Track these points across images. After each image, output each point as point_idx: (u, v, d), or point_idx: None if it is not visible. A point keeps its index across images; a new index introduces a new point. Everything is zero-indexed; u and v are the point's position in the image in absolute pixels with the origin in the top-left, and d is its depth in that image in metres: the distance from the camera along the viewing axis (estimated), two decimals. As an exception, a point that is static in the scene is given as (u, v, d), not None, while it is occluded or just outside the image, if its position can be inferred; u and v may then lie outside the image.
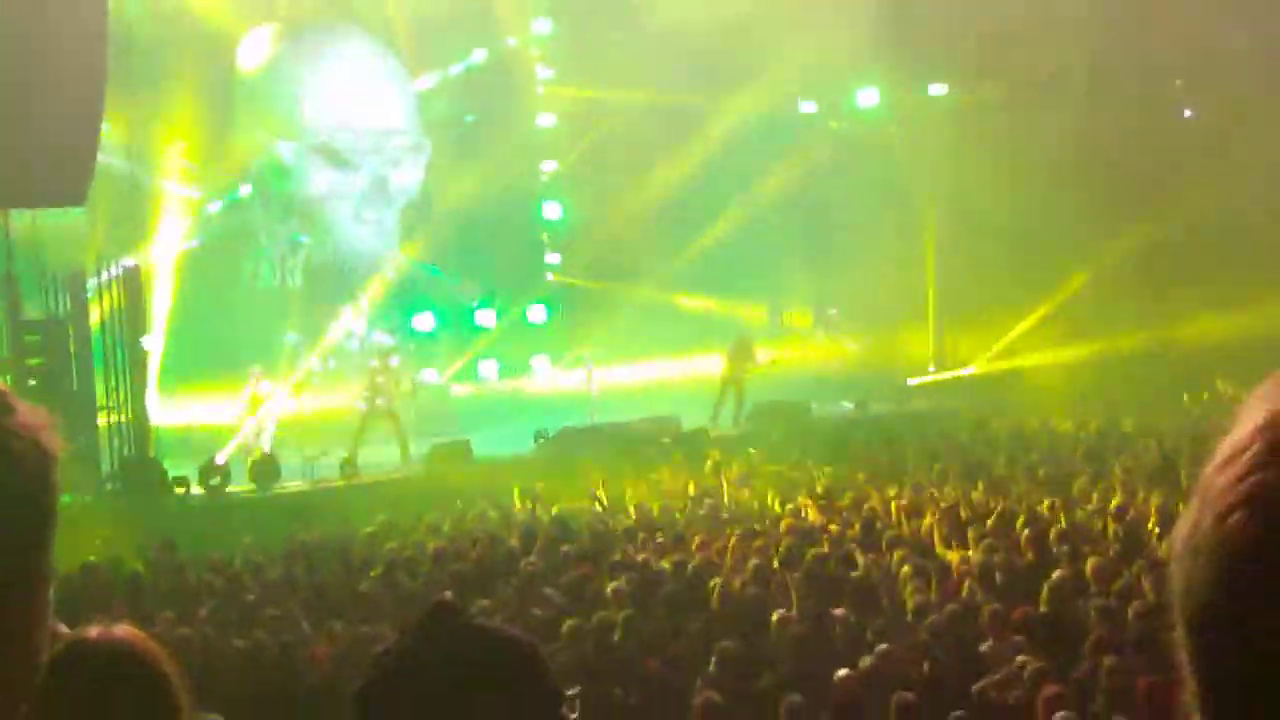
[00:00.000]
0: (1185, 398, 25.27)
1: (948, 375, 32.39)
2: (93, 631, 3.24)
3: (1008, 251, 30.29)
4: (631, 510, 19.37)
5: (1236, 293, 27.90)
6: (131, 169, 26.97)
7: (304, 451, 24.52)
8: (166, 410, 26.77)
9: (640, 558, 15.15)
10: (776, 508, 18.34)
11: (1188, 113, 33.07)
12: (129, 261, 25.02)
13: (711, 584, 13.53)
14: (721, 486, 20.65)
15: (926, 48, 31.63)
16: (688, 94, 31.70)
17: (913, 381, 32.04)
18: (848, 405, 29.88)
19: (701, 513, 18.57)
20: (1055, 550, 13.98)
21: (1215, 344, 26.32)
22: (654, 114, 32.15)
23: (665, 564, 14.56)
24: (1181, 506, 1.25)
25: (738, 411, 28.50)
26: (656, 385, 30.58)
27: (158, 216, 29.11)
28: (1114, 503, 16.47)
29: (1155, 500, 16.10)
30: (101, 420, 23.96)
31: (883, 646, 10.95)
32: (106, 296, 24.50)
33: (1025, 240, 30.24)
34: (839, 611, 12.21)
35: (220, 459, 24.52)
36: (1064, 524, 15.27)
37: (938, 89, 34.08)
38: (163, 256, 29.09)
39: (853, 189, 32.02)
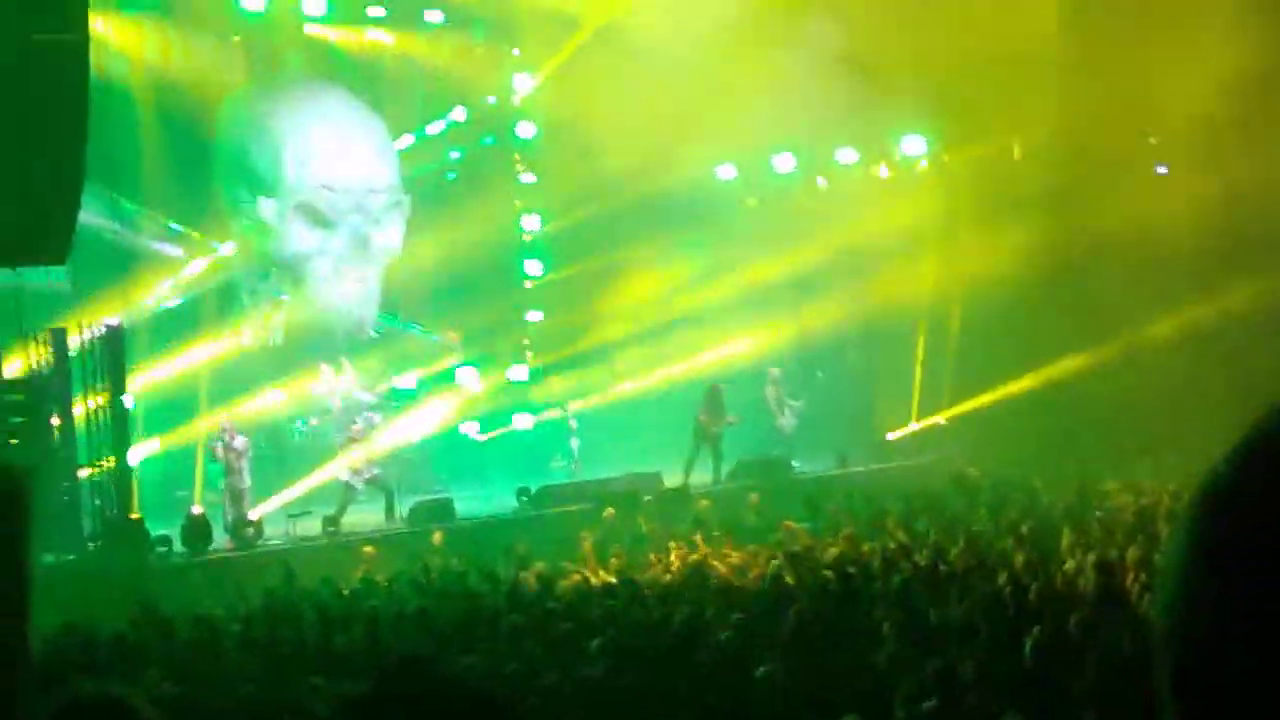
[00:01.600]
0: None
1: (923, 425, 32.46)
2: (83, 691, 3.28)
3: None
4: (614, 567, 19.39)
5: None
6: (114, 228, 27.02)
7: (287, 509, 24.52)
8: (145, 460, 26.70)
9: (623, 615, 15.15)
10: (758, 564, 18.34)
11: (1161, 170, 33.04)
12: (111, 320, 25.04)
13: (694, 640, 13.55)
14: (702, 544, 20.72)
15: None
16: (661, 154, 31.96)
17: (891, 436, 32.14)
18: (828, 462, 29.98)
19: (684, 569, 18.55)
20: (1037, 607, 13.99)
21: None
22: (630, 175, 32.35)
23: (648, 620, 14.57)
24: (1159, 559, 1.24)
25: (716, 467, 28.49)
26: (637, 439, 30.57)
27: (140, 275, 29.15)
28: (1092, 558, 16.45)
29: (1133, 555, 16.11)
30: (83, 479, 23.99)
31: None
32: (88, 355, 24.53)
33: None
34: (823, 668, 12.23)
35: (196, 510, 24.56)
36: (1044, 581, 15.29)
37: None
38: (144, 315, 29.16)
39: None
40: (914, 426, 32.56)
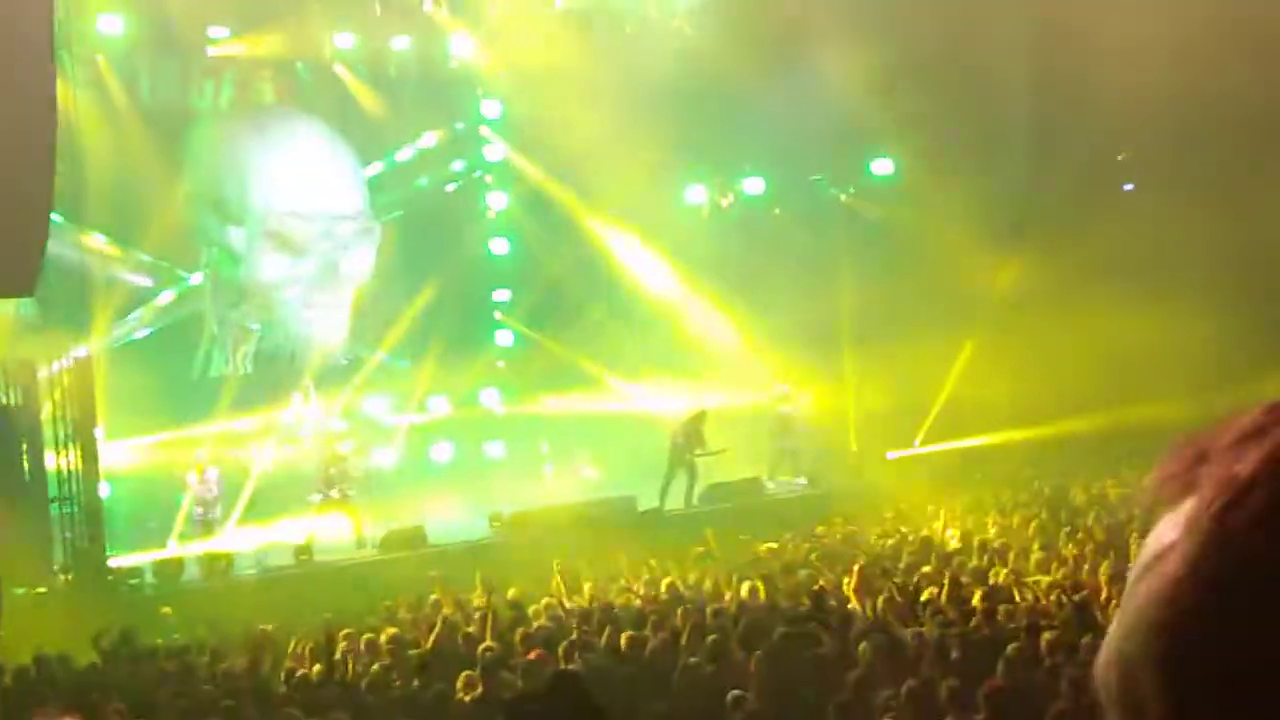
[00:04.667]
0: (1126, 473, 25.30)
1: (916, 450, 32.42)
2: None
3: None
4: (587, 592, 19.35)
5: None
6: (82, 259, 26.92)
7: (259, 539, 24.47)
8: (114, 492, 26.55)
9: (597, 640, 15.13)
10: (732, 587, 18.30)
11: (1128, 186, 33.17)
12: (80, 351, 24.93)
13: (669, 664, 13.53)
14: (674, 567, 20.71)
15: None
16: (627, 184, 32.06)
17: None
18: (801, 481, 29.98)
19: (659, 594, 18.51)
20: (1011, 624, 14.01)
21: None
22: (604, 195, 32.39)
23: (622, 645, 14.55)
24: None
25: (690, 491, 28.40)
26: (611, 464, 30.46)
27: (109, 306, 28.99)
28: (1063, 574, 16.50)
29: (1105, 570, 16.15)
30: (53, 511, 23.86)
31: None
32: (57, 387, 24.41)
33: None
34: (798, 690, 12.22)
35: (171, 542, 24.54)
36: (1018, 597, 15.32)
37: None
38: (114, 346, 29.00)
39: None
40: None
